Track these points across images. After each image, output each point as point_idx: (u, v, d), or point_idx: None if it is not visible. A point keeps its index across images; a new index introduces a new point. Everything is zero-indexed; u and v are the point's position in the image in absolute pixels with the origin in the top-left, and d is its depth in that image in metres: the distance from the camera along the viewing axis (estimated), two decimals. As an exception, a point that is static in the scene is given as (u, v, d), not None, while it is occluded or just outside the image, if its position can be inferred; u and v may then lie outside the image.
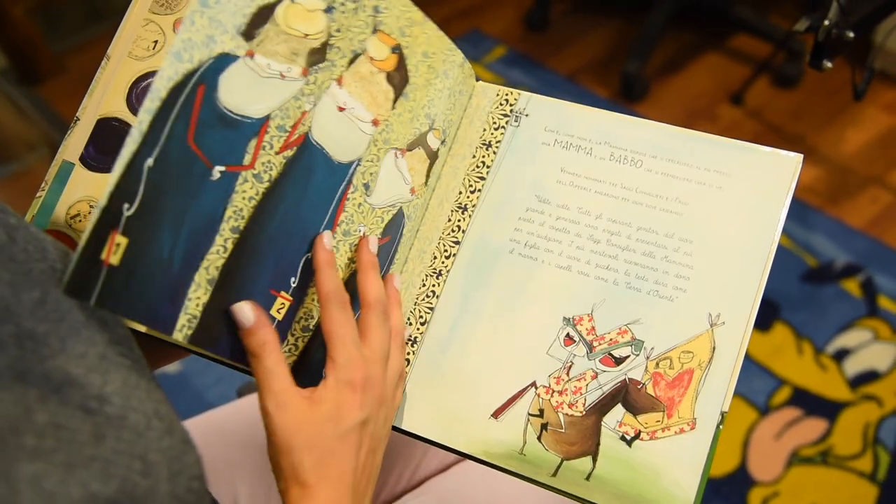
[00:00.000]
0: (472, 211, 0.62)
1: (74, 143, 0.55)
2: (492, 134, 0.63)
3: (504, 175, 0.63)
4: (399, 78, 0.58)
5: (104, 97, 0.57)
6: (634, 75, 1.93)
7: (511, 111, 0.64)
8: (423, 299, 0.62)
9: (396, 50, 0.58)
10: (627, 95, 1.97)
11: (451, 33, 2.15)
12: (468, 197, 0.63)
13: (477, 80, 0.65)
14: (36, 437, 0.32)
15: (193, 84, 0.48)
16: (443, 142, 0.62)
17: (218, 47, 0.49)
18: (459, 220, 0.62)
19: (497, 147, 0.63)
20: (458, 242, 0.62)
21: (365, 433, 0.50)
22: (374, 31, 0.56)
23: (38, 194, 0.55)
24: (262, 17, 0.51)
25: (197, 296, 0.49)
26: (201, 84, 0.48)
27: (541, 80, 2.03)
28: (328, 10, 0.54)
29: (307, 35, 0.53)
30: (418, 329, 0.61)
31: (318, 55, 0.54)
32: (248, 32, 0.51)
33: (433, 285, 0.62)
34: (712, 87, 2.00)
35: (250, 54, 0.51)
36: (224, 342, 0.51)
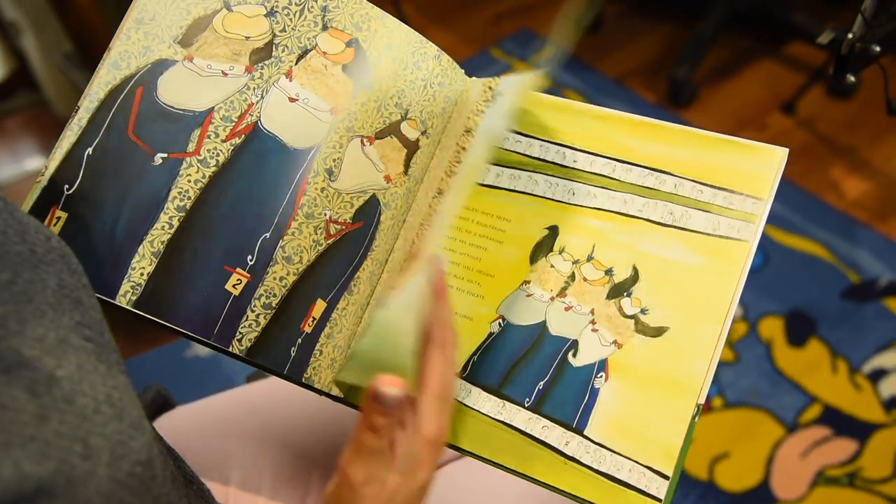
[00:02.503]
0: (446, 193, 0.62)
1: (73, 127, 0.57)
2: (472, 120, 0.63)
3: (474, 155, 0.62)
4: (358, 69, 0.59)
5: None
6: (682, 81, 1.90)
7: (492, 96, 0.63)
8: None
9: (352, 44, 0.59)
10: (675, 101, 1.94)
11: (502, 32, 2.14)
12: (445, 181, 0.63)
13: (470, 76, 0.65)
14: None
15: (132, 86, 0.56)
16: (424, 132, 0.62)
17: (155, 55, 0.57)
18: (436, 205, 0.62)
19: (475, 130, 0.63)
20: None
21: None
22: (325, 28, 0.59)
23: (37, 179, 0.56)
24: (198, 27, 0.57)
25: (141, 266, 0.55)
26: (140, 86, 0.56)
27: (588, 82, 2.02)
28: (270, 13, 0.58)
29: (248, 38, 0.58)
30: None
31: (262, 53, 0.58)
32: (186, 41, 0.57)
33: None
34: (763, 95, 1.96)
35: (189, 58, 0.57)
36: (179, 315, 0.55)
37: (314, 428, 0.77)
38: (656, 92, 1.98)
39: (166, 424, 0.78)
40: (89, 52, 2.13)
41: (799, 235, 1.66)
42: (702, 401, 0.54)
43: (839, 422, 1.40)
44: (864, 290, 1.57)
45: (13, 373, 0.36)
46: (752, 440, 1.39)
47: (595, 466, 0.55)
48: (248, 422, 0.77)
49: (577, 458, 0.55)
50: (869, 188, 1.75)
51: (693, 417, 0.53)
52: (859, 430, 1.39)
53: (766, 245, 1.64)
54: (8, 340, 0.36)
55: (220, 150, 0.58)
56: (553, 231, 0.59)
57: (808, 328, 1.52)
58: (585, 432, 0.55)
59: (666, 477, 0.53)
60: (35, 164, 2.13)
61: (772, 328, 1.52)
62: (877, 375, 1.45)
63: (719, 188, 0.56)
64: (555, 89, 2.01)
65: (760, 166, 0.56)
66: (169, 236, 0.57)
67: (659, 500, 0.53)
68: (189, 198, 0.57)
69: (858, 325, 1.52)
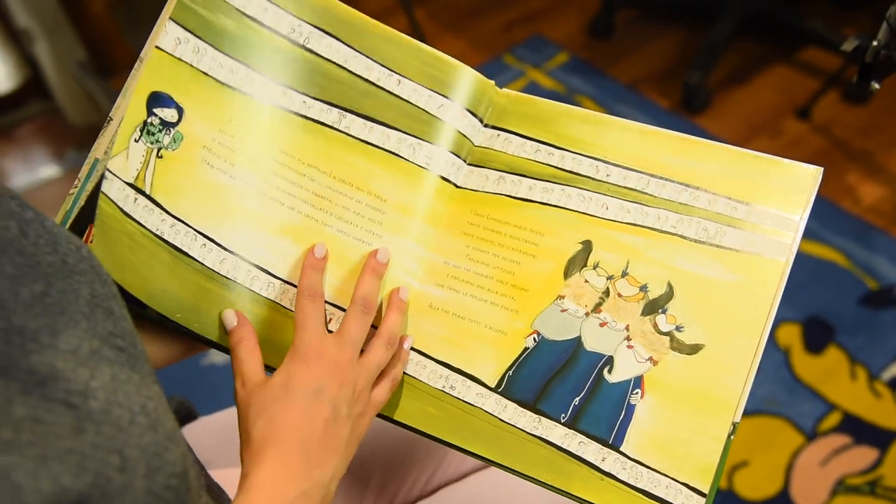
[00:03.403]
0: None
1: (105, 141, 0.57)
2: None
3: None
4: None
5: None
6: (696, 86, 1.89)
7: None
8: None
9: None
10: (688, 106, 1.93)
11: (514, 38, 2.13)
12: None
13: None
14: (12, 430, 0.33)
15: None
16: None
17: None
18: None
19: None
20: None
21: (320, 401, 0.53)
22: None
23: (70, 191, 0.56)
24: None
25: None
26: None
27: (601, 88, 2.01)
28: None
29: None
30: None
31: None
32: None
33: None
34: (778, 101, 1.95)
35: None
36: None
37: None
38: (669, 98, 1.97)
39: (190, 436, 0.78)
40: (103, 60, 2.14)
41: (815, 241, 1.65)
42: (737, 419, 0.54)
43: (859, 429, 1.39)
44: (882, 297, 1.56)
45: (48, 385, 0.35)
46: (771, 448, 1.38)
47: (632, 483, 0.54)
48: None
49: (614, 474, 0.55)
50: (885, 193, 1.74)
51: (729, 435, 0.53)
52: (880, 438, 1.38)
53: (782, 251, 1.63)
54: (41, 354, 0.36)
55: None
56: (587, 246, 0.58)
57: (826, 335, 1.51)
58: (622, 448, 0.55)
59: (703, 494, 0.53)
60: (48, 172, 2.14)
61: (789, 335, 1.51)
62: (896, 383, 1.44)
63: (754, 205, 0.56)
64: (567, 95, 2.01)
65: (795, 184, 0.56)
66: None
67: None
68: None
69: (877, 332, 1.51)
